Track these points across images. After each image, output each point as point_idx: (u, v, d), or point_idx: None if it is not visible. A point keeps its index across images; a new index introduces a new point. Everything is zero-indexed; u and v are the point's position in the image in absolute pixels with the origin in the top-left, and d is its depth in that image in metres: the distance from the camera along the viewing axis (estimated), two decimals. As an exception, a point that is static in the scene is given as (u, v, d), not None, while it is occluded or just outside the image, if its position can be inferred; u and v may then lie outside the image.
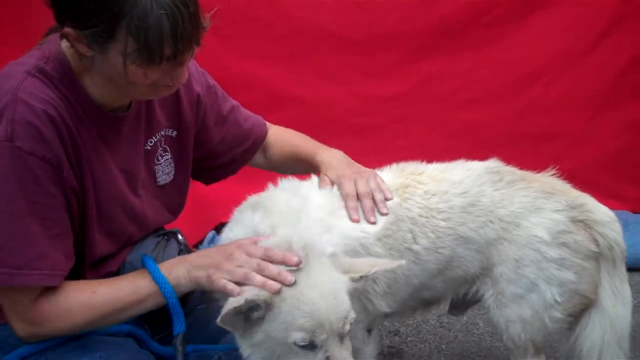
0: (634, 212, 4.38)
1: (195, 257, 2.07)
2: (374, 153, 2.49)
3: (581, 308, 2.43)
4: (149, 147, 2.26)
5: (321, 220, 2.21)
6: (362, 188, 2.29)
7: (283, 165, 2.63)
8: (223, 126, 2.48)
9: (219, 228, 4.30)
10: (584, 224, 2.37)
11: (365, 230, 2.25)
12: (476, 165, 2.48)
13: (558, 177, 2.51)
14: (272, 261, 1.95)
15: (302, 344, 1.89)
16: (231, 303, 1.87)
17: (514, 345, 2.45)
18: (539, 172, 2.53)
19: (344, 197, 2.29)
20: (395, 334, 3.33)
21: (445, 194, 2.36)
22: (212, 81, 2.47)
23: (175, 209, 2.47)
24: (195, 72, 2.38)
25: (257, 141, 2.60)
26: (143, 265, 2.10)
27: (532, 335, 2.42)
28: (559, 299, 2.35)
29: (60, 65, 1.95)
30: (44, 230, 1.91)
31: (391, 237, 2.29)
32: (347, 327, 1.94)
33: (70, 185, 1.96)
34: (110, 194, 2.12)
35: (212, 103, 2.44)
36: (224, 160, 2.56)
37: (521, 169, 2.53)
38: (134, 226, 2.27)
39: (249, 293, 1.90)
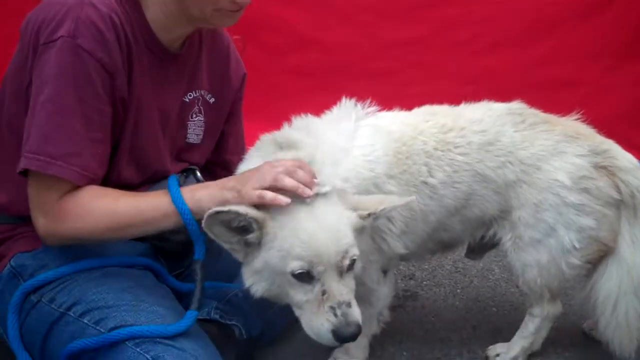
0: (652, 163, 4.32)
1: (220, 182, 2.07)
2: (389, 98, 2.45)
3: (599, 255, 2.44)
4: (187, 100, 2.33)
5: (333, 157, 2.20)
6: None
7: None
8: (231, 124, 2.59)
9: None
10: (607, 170, 2.37)
11: (374, 170, 2.24)
12: (497, 106, 2.48)
13: (582, 122, 2.50)
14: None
15: (298, 272, 1.91)
16: (217, 208, 1.89)
17: (529, 290, 2.48)
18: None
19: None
20: (411, 278, 3.36)
21: (462, 129, 2.36)
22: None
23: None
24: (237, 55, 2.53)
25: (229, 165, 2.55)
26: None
27: (548, 280, 2.44)
28: (577, 245, 2.36)
29: None
30: (86, 132, 1.97)
31: (406, 172, 2.30)
32: (347, 262, 1.94)
33: (120, 96, 2.03)
34: (147, 125, 2.18)
35: (242, 85, 2.58)
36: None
37: None
38: (158, 165, 2.30)
39: (240, 207, 1.91)
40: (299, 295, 1.96)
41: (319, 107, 2.40)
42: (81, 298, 2.07)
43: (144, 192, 2.16)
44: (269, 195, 1.92)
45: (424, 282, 3.36)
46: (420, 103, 2.52)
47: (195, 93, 2.35)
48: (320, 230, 1.92)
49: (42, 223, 2.03)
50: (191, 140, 2.42)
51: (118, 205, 2.04)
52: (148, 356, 1.96)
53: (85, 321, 2.03)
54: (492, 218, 2.45)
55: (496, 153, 2.35)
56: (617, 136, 4.52)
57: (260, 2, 4.28)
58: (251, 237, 1.94)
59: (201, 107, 2.39)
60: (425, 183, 2.31)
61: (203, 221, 1.90)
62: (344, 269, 1.95)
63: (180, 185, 2.27)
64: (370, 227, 2.14)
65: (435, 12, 4.52)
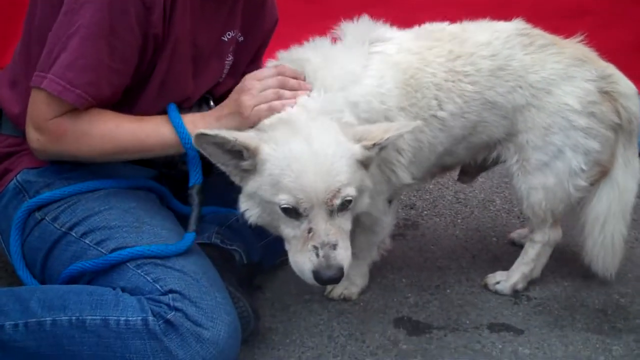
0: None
1: (216, 111, 2.12)
2: (398, 24, 2.41)
3: (599, 178, 2.52)
4: (225, 39, 2.33)
5: (342, 81, 2.16)
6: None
7: None
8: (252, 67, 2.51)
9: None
10: (609, 95, 2.42)
11: (385, 102, 2.21)
12: (503, 26, 2.45)
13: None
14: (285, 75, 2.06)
15: (284, 206, 1.89)
16: (204, 130, 1.89)
17: (533, 214, 2.53)
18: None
19: None
20: (412, 208, 3.40)
21: (471, 55, 2.34)
22: None
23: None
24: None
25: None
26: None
27: (554, 204, 2.49)
28: (584, 167, 2.42)
29: None
30: (110, 61, 1.99)
31: (415, 105, 2.28)
32: (337, 201, 1.90)
33: (154, 32, 2.03)
34: (180, 64, 2.18)
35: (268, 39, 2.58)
36: None
37: None
38: (183, 101, 2.30)
39: (230, 133, 1.90)
40: (287, 229, 1.97)
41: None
42: (84, 218, 2.11)
43: (147, 117, 2.16)
44: (277, 104, 1.99)
45: (425, 212, 3.39)
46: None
47: (232, 32, 2.35)
48: (312, 163, 1.88)
49: (35, 138, 2.06)
50: (221, 78, 2.43)
51: (118, 131, 2.07)
52: (149, 278, 2.01)
53: (87, 241, 2.07)
54: (497, 141, 2.48)
55: (506, 78, 2.34)
56: (624, 68, 4.51)
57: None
58: (245, 164, 1.94)
59: (232, 49, 2.39)
60: (435, 116, 2.31)
61: (193, 138, 1.91)
62: (335, 209, 1.92)
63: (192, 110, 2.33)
64: (377, 158, 2.10)
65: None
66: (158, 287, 1.99)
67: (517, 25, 2.45)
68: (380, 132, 1.98)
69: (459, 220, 3.33)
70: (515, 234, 3.05)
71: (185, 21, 2.12)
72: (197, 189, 2.18)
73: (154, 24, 2.01)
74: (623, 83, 2.46)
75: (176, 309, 1.96)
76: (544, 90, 2.34)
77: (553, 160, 2.40)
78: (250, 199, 1.99)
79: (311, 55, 2.20)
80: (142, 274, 2.01)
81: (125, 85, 2.10)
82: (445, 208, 3.44)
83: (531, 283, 2.74)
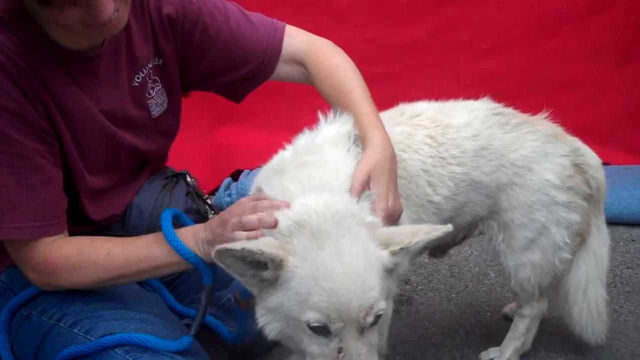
0: (652, 166, 4.37)
1: (196, 233, 2.03)
2: (388, 102, 2.49)
3: (578, 248, 2.59)
4: (136, 84, 2.23)
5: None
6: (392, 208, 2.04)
7: (330, 102, 2.31)
8: (215, 41, 2.30)
9: (235, 175, 4.38)
10: (580, 167, 2.50)
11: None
12: (477, 105, 2.51)
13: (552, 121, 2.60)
14: (260, 211, 1.87)
15: (314, 324, 1.74)
16: (228, 245, 1.74)
17: (521, 289, 2.58)
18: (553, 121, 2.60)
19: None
20: (407, 283, 3.42)
21: (454, 140, 2.37)
22: None
23: (171, 133, 2.46)
24: None
25: (271, 57, 2.36)
26: (160, 224, 2.07)
27: (541, 278, 2.54)
28: (568, 240, 2.48)
29: (11, 7, 1.86)
30: (18, 180, 1.91)
31: (412, 195, 2.31)
32: (370, 319, 1.76)
33: (41, 128, 1.95)
34: (90, 132, 2.10)
35: (193, 20, 2.27)
36: (236, 76, 2.39)
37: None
38: (127, 160, 2.29)
39: (254, 244, 1.75)
40: (312, 346, 1.79)
41: (321, 108, 2.30)
42: (70, 309, 2.11)
43: (137, 238, 2.09)
44: (244, 235, 1.85)
45: (419, 287, 3.41)
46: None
47: (144, 71, 2.23)
48: (344, 278, 1.72)
49: (33, 278, 2.05)
50: (156, 114, 2.31)
51: (109, 260, 2.02)
52: None
53: (76, 331, 2.07)
54: (480, 219, 2.53)
55: (490, 157, 2.40)
56: (616, 139, 4.59)
57: (255, 3, 4.35)
58: (267, 274, 1.78)
59: (155, 78, 2.28)
60: (431, 202, 2.34)
61: (213, 253, 1.76)
62: (367, 326, 1.77)
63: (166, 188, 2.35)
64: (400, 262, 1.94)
65: (434, 14, 4.55)
66: None
67: (489, 104, 2.52)
68: (408, 235, 1.83)
69: (453, 295, 3.34)
70: (507, 309, 3.07)
71: (77, 97, 2.04)
72: (208, 289, 2.11)
73: (34, 123, 1.92)
74: (589, 155, 2.56)
75: None
76: (525, 168, 2.41)
77: (538, 236, 2.46)
78: (270, 313, 1.83)
79: (307, 158, 2.08)
80: (130, 358, 2.02)
81: (61, 187, 2.04)
82: (440, 282, 3.46)
83: (524, 358, 2.76)
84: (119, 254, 2.03)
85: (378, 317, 1.78)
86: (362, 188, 1.96)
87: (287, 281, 1.75)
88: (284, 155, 2.13)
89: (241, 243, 1.75)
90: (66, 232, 2.07)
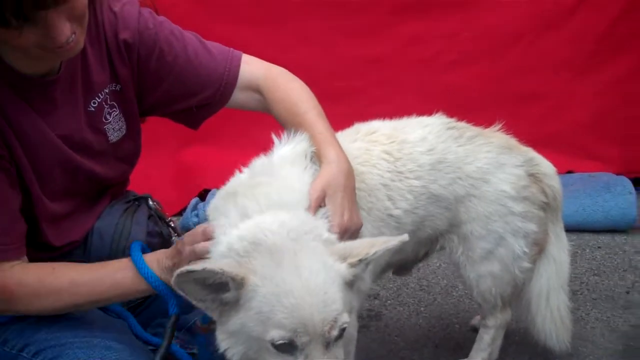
0: (617, 174, 4.44)
1: (165, 261, 2.05)
2: (353, 117, 2.51)
3: (538, 256, 2.62)
4: (92, 109, 2.22)
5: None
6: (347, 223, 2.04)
7: (284, 124, 2.32)
8: (172, 68, 2.29)
9: (202, 195, 4.36)
10: (535, 177, 2.53)
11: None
12: (430, 121, 2.54)
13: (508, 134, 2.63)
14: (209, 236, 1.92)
15: (279, 342, 1.71)
16: (189, 267, 1.71)
17: (483, 300, 2.60)
18: (520, 134, 2.64)
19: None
20: (375, 298, 3.43)
21: (410, 154, 2.40)
22: (153, 22, 2.27)
23: (131, 159, 2.45)
24: (125, 17, 2.23)
25: (227, 84, 2.36)
26: (129, 254, 2.09)
27: (502, 288, 2.57)
28: (526, 250, 2.52)
29: None
30: None
31: (373, 209, 2.31)
32: (335, 332, 1.75)
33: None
34: (47, 157, 2.10)
35: (150, 46, 2.25)
36: (192, 102, 2.39)
37: (506, 131, 2.62)
38: (86, 185, 2.28)
39: (214, 264, 1.75)
40: None
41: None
42: (33, 337, 2.09)
43: (100, 265, 2.09)
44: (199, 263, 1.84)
45: (388, 302, 3.43)
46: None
47: (100, 96, 2.23)
48: (305, 293, 1.71)
49: None
50: (114, 139, 2.30)
51: (73, 288, 2.02)
52: None
53: None
54: (440, 233, 2.54)
55: (446, 171, 2.43)
56: (581, 147, 4.66)
57: (217, 23, 4.37)
58: (227, 296, 1.75)
59: (112, 103, 2.27)
60: (391, 215, 2.35)
61: (172, 279, 1.71)
62: (332, 340, 1.75)
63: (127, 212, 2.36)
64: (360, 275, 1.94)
65: (397, 28, 4.61)
66: None
67: (442, 119, 2.55)
68: (365, 247, 1.84)
69: (422, 309, 3.36)
70: (475, 321, 3.09)
71: (32, 122, 2.04)
72: (172, 321, 2.10)
73: None
74: (544, 164, 2.59)
75: None
76: (482, 180, 2.44)
77: (496, 247, 2.48)
78: (232, 337, 1.81)
79: (263, 179, 2.09)
80: None
81: (17, 211, 2.05)
82: (409, 296, 3.48)
83: (493, 370, 2.77)
84: (84, 282, 2.03)
85: (342, 331, 1.77)
86: (318, 204, 1.97)
87: (248, 301, 1.73)
88: (240, 178, 2.13)
89: (201, 264, 1.73)
90: (25, 258, 2.06)
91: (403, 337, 3.11)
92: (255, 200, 1.94)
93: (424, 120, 2.54)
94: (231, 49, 2.41)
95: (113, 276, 2.04)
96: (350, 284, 1.83)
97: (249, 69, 2.38)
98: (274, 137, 2.19)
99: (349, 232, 2.01)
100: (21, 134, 2.01)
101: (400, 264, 2.72)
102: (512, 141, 2.58)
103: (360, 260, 1.81)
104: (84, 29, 1.94)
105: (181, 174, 4.58)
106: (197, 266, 1.71)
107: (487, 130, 2.59)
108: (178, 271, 1.68)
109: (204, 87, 2.35)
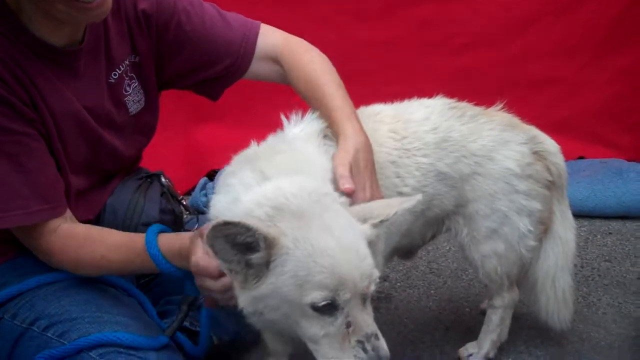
0: (628, 160, 4.41)
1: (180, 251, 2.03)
2: (365, 99, 2.49)
3: (543, 234, 2.61)
4: (113, 80, 2.25)
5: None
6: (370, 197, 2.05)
7: (304, 97, 2.34)
8: (190, 39, 2.32)
9: (211, 175, 4.37)
10: (539, 155, 2.52)
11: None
12: (431, 102, 2.55)
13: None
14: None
15: (322, 303, 1.67)
16: (225, 218, 1.66)
17: (490, 280, 2.60)
18: (531, 119, 2.63)
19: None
20: (385, 280, 3.42)
21: (415, 132, 2.40)
22: None
23: (149, 132, 2.50)
24: None
25: (246, 53, 2.37)
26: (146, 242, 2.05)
27: (508, 267, 2.56)
28: (531, 228, 2.51)
29: None
30: (16, 167, 1.95)
31: (382, 186, 2.29)
32: (373, 287, 1.74)
33: (29, 117, 1.99)
34: (73, 127, 2.13)
35: (168, 16, 2.29)
36: (211, 73, 2.40)
37: (517, 115, 2.61)
38: (106, 160, 2.31)
39: (251, 220, 1.69)
40: (314, 328, 1.72)
41: (298, 106, 2.32)
42: (44, 312, 2.11)
43: (132, 247, 2.08)
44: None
45: (398, 284, 3.42)
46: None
47: (121, 68, 2.26)
48: (340, 251, 1.69)
49: (42, 259, 2.13)
50: (133, 111, 2.34)
51: (105, 263, 2.09)
52: None
53: (49, 334, 2.07)
54: (446, 214, 2.54)
55: (450, 149, 2.42)
56: (593, 134, 4.62)
57: (231, 3, 4.32)
58: (256, 257, 1.70)
59: (132, 75, 2.31)
60: (400, 193, 2.34)
61: (206, 233, 1.66)
62: (368, 296, 1.75)
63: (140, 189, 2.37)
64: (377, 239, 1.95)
65: (410, 11, 4.56)
66: None
67: (443, 100, 2.55)
68: (383, 208, 1.86)
69: (432, 291, 3.35)
70: (485, 304, 3.05)
71: (59, 93, 2.07)
72: (189, 300, 2.14)
73: (24, 112, 1.96)
74: (548, 142, 2.58)
75: None
76: (486, 157, 2.43)
77: (500, 226, 2.48)
78: (260, 302, 1.75)
79: (284, 147, 2.11)
80: None
81: (56, 170, 2.09)
82: (419, 279, 3.47)
83: (504, 353, 2.78)
84: (114, 260, 2.09)
85: (375, 285, 1.76)
86: (349, 178, 1.99)
87: (281, 265, 1.69)
88: (258, 146, 2.15)
89: (237, 217, 1.70)
90: (69, 212, 2.13)
91: (413, 319, 3.10)
92: (275, 165, 1.95)
93: (425, 101, 2.55)
94: (249, 19, 2.44)
95: (140, 261, 2.05)
96: (371, 246, 1.81)
97: (267, 39, 2.41)
98: (283, 118, 2.21)
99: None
100: (49, 102, 2.04)
101: (407, 247, 2.71)
102: (515, 120, 2.58)
103: (381, 221, 1.83)
104: None
105: (190, 153, 4.59)
106: (233, 219, 1.67)
107: (490, 109, 2.59)
108: (214, 222, 1.64)
109: (222, 57, 2.37)
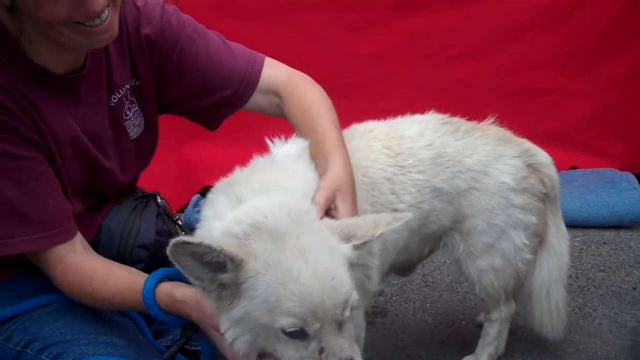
0: (620, 170, 4.41)
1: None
2: (358, 115, 2.49)
3: (538, 247, 2.62)
4: (113, 104, 2.23)
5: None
6: None
7: (297, 124, 2.32)
8: (193, 66, 2.31)
9: (203, 191, 4.33)
10: (532, 167, 2.53)
11: None
12: (424, 118, 2.55)
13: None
14: None
15: (290, 330, 1.66)
16: (185, 237, 1.64)
17: (487, 295, 2.61)
18: (523, 130, 2.64)
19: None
20: (380, 294, 3.43)
21: (410, 149, 2.40)
22: (176, 19, 2.29)
23: (148, 155, 2.49)
24: (148, 12, 2.25)
25: (248, 85, 2.36)
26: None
27: (504, 282, 2.58)
28: (527, 242, 2.52)
29: None
30: (24, 192, 1.93)
31: (376, 203, 2.30)
32: (347, 313, 1.71)
33: (34, 141, 1.98)
34: (73, 153, 2.12)
35: (171, 44, 2.27)
36: (210, 101, 2.38)
37: (509, 127, 2.62)
38: (105, 186, 2.30)
39: (214, 240, 1.68)
40: (289, 351, 1.71)
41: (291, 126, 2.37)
42: (38, 334, 2.09)
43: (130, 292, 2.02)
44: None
45: (394, 298, 3.42)
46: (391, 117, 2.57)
47: (121, 91, 2.24)
48: (313, 279, 1.66)
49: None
50: (134, 136, 2.33)
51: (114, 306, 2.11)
52: None
53: (44, 357, 2.06)
54: (443, 231, 2.54)
55: (446, 165, 2.42)
56: (585, 143, 4.63)
57: (221, 19, 4.33)
58: (226, 277, 1.68)
59: (132, 99, 2.29)
60: (396, 210, 2.33)
61: (167, 249, 1.63)
62: (344, 321, 1.72)
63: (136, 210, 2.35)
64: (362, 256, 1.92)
65: (400, 23, 4.56)
66: None
67: (435, 115, 2.55)
68: (369, 227, 1.81)
69: (427, 305, 3.35)
70: (481, 317, 3.07)
71: (59, 117, 2.05)
72: (191, 331, 2.07)
73: (28, 137, 1.96)
74: (541, 154, 2.60)
75: None
76: (482, 172, 2.44)
77: (497, 240, 2.49)
78: (237, 325, 1.74)
79: (261, 168, 2.11)
80: None
81: (62, 193, 2.08)
82: (414, 293, 3.46)
83: (500, 363, 2.77)
84: (115, 304, 2.09)
85: (352, 310, 1.73)
86: (328, 204, 1.94)
87: (251, 289, 1.68)
88: (239, 171, 2.13)
89: (200, 237, 1.68)
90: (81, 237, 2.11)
91: (409, 333, 3.10)
92: (250, 186, 1.93)
93: (418, 117, 2.55)
94: (255, 51, 2.43)
95: (142, 308, 1.98)
96: (353, 266, 1.79)
97: (271, 72, 2.39)
98: (269, 140, 2.19)
99: None
100: (51, 127, 2.03)
101: (404, 264, 2.70)
102: (507, 133, 2.59)
103: (365, 242, 1.79)
104: (117, 9, 1.95)
105: (183, 170, 4.58)
106: (194, 238, 1.64)
107: (482, 124, 2.60)
108: (173, 241, 1.61)
109: (223, 86, 2.35)
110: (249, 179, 1.98)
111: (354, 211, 1.99)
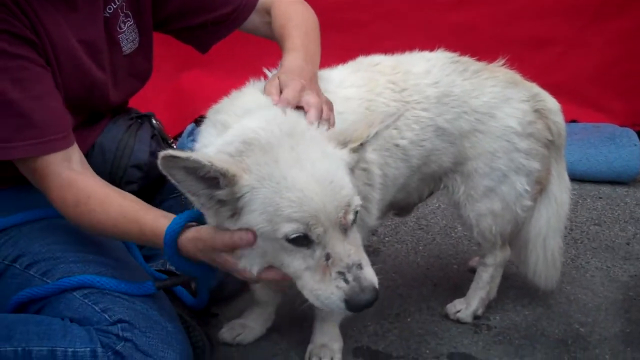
0: (621, 126, 4.38)
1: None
2: (358, 50, 2.44)
3: (539, 194, 2.60)
4: (108, 14, 2.18)
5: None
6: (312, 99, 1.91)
7: (273, 36, 2.33)
8: None
9: (198, 120, 4.29)
10: (540, 113, 2.49)
11: None
12: (433, 55, 2.49)
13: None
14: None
15: (293, 235, 1.65)
16: (174, 152, 1.60)
17: (483, 239, 2.59)
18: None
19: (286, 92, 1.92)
20: (373, 234, 3.41)
21: (416, 85, 2.35)
22: None
23: (143, 76, 2.45)
24: None
25: (247, 4, 2.35)
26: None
27: (502, 227, 2.55)
28: (528, 188, 2.49)
29: None
30: (24, 92, 1.88)
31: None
32: (351, 216, 1.69)
33: (31, 40, 1.93)
34: (68, 61, 2.07)
35: None
36: (209, 17, 2.33)
37: None
38: (97, 100, 2.25)
39: (204, 155, 1.65)
40: (296, 261, 1.71)
41: None
42: (27, 250, 2.06)
43: (146, 221, 1.92)
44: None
45: (386, 239, 3.41)
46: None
47: (116, 2, 2.19)
48: (311, 184, 1.64)
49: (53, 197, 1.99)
50: (127, 51, 2.28)
51: (121, 231, 1.94)
52: (97, 308, 1.97)
53: (32, 273, 2.03)
54: (444, 172, 2.51)
55: (452, 105, 2.38)
56: (587, 98, 4.57)
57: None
58: (221, 193, 1.66)
59: (127, 12, 2.24)
60: (397, 145, 2.30)
61: (158, 162, 1.60)
62: (348, 225, 1.70)
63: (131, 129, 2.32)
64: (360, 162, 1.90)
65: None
66: (106, 316, 1.95)
67: (444, 54, 2.50)
68: (363, 129, 1.78)
69: (420, 247, 3.34)
70: (473, 262, 3.06)
71: (58, 26, 2.01)
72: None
73: (29, 38, 1.91)
74: (549, 100, 2.55)
75: (125, 340, 1.92)
76: (488, 114, 2.40)
77: (498, 185, 2.46)
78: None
79: (245, 91, 2.08)
80: (89, 303, 1.96)
81: (61, 103, 2.02)
82: (407, 234, 3.45)
83: (492, 312, 2.78)
84: (129, 230, 1.94)
85: (357, 214, 1.72)
86: (278, 90, 1.91)
87: (249, 204, 1.67)
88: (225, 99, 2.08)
89: (189, 153, 1.63)
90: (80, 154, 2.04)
91: (401, 274, 3.09)
92: (232, 112, 1.90)
93: (427, 54, 2.50)
94: None
95: (152, 238, 1.90)
96: (352, 171, 1.79)
97: None
98: (267, 70, 2.15)
99: (328, 111, 1.91)
100: (50, 33, 1.99)
101: (403, 203, 2.68)
102: (517, 76, 2.55)
103: (361, 144, 1.78)
104: None
105: (178, 98, 4.54)
106: (183, 153, 1.61)
107: (491, 65, 2.55)
108: (162, 153, 1.59)
109: (222, 3, 2.31)
110: (230, 106, 1.95)
111: (300, 86, 1.92)
